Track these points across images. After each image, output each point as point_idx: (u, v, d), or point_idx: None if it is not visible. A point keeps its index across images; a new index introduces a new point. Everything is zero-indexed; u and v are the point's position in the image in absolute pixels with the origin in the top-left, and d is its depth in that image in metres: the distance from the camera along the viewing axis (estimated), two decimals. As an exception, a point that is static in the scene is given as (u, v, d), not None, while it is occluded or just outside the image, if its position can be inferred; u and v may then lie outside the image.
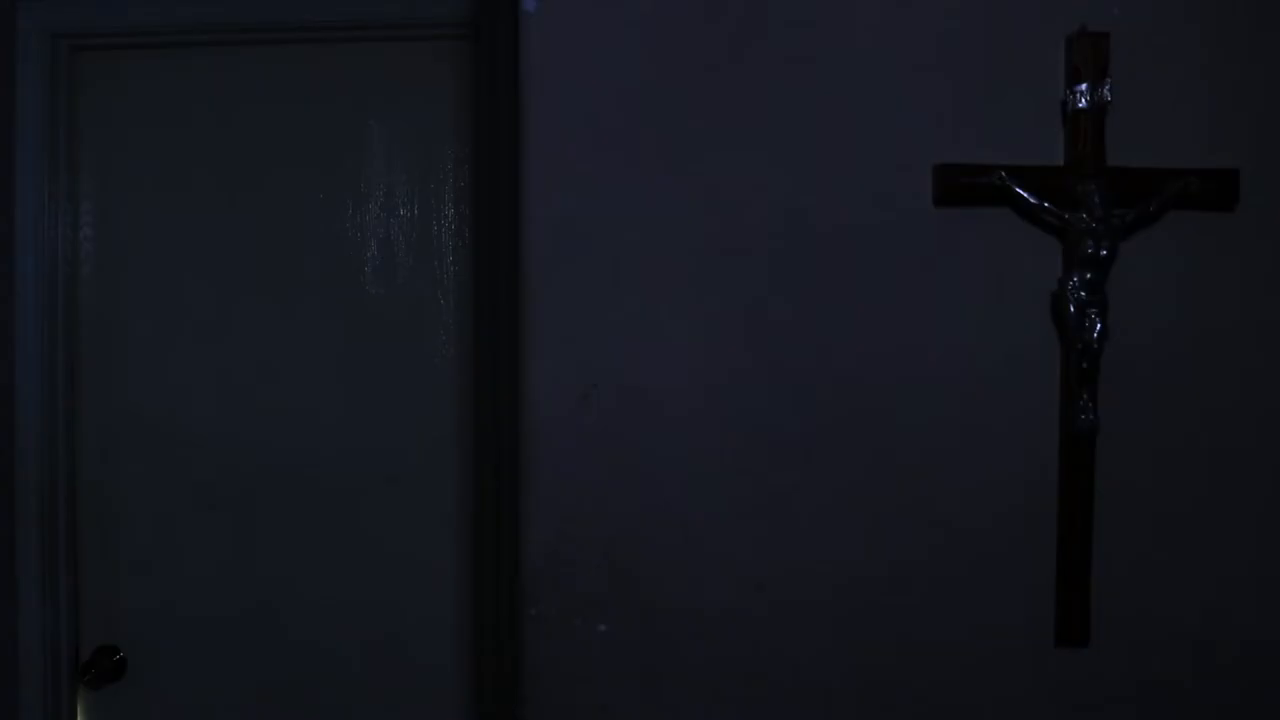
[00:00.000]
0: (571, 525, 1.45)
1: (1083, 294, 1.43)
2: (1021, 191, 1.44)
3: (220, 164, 2.22)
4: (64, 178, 2.18)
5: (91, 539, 2.23)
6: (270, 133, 2.21)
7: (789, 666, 1.48)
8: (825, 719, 1.49)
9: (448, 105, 2.20)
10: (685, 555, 1.47)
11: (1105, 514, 1.49)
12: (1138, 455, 1.50)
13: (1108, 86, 1.43)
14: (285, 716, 2.22)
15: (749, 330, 1.47)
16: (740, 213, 1.46)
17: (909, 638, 1.49)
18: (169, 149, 2.22)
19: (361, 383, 2.24)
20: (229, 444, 2.22)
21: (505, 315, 2.01)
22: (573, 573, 1.45)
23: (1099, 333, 1.43)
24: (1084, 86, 1.43)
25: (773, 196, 1.46)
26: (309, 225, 2.23)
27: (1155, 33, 1.48)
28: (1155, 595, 1.52)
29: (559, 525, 1.45)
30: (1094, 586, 1.49)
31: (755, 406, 1.47)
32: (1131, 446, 1.50)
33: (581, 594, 1.45)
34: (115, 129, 2.22)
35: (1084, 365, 1.44)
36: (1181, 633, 1.52)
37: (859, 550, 1.48)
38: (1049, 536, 1.49)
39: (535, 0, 1.43)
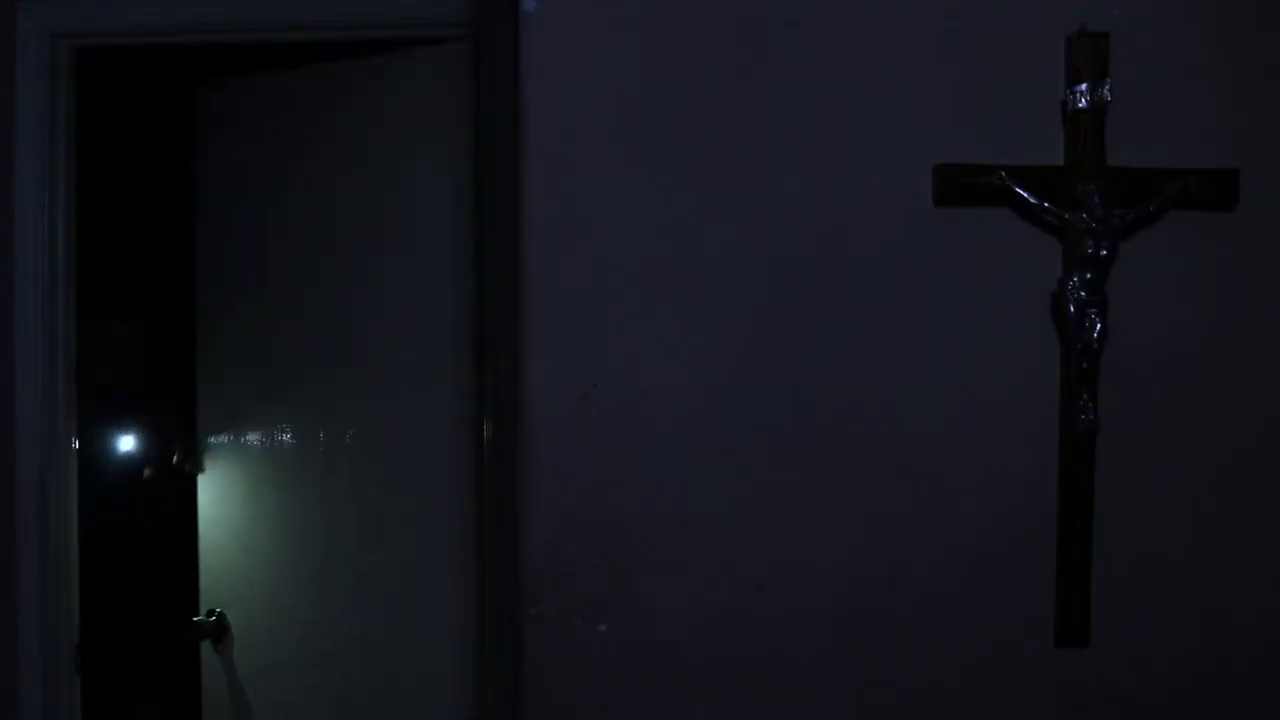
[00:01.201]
0: (571, 525, 1.45)
1: (1083, 294, 1.43)
2: (1021, 191, 1.44)
3: (248, 181, 2.37)
4: (63, 178, 2.18)
5: (206, 527, 2.51)
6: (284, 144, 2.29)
7: (789, 666, 1.48)
8: (825, 719, 1.49)
9: (448, 105, 2.20)
10: (685, 555, 1.47)
11: (1105, 514, 1.49)
12: (1138, 455, 1.50)
13: (1108, 86, 1.43)
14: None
15: (749, 330, 1.47)
16: (740, 212, 1.46)
17: (909, 638, 1.49)
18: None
19: (362, 383, 2.24)
20: (282, 445, 2.38)
21: (505, 315, 2.01)
22: (573, 573, 1.45)
23: (1099, 333, 1.43)
24: (1084, 86, 1.43)
25: (772, 196, 1.46)
26: (310, 228, 2.25)
27: (1155, 33, 1.48)
28: (1155, 595, 1.52)
29: (559, 525, 1.45)
30: (1094, 586, 1.49)
31: (755, 406, 1.47)
32: (1131, 446, 1.50)
33: (581, 594, 1.45)
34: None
35: (1084, 365, 1.44)
36: (1181, 633, 1.52)
37: (859, 550, 1.48)
38: (1049, 536, 1.49)
39: (535, 0, 1.43)
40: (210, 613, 2.48)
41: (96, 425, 3.06)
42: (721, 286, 1.46)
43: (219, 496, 2.48)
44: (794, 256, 1.46)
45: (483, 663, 2.18)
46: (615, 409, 1.45)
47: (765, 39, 1.45)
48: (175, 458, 2.81)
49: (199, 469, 2.49)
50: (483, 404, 2.15)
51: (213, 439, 2.47)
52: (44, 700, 2.16)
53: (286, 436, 2.35)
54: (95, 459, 3.02)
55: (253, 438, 2.40)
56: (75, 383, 2.24)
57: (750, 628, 1.47)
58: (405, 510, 2.23)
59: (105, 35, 2.19)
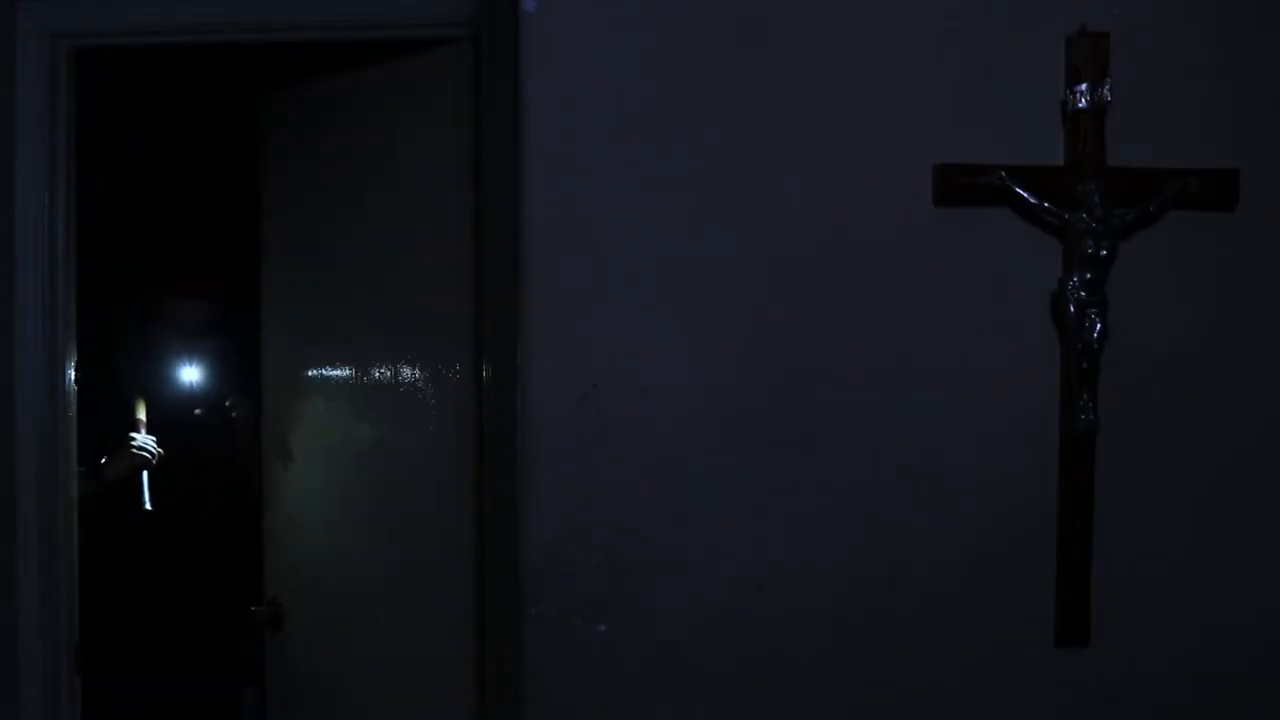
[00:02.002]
0: (571, 525, 1.45)
1: (1083, 294, 1.43)
2: (1021, 191, 1.44)
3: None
4: (63, 178, 2.18)
5: (269, 525, 2.54)
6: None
7: (789, 666, 1.48)
8: (825, 719, 1.49)
9: (448, 105, 2.20)
10: (685, 555, 1.47)
11: (1105, 514, 1.49)
12: (1138, 455, 1.50)
13: (1108, 86, 1.43)
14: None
15: (749, 330, 1.47)
16: (740, 212, 1.46)
17: (909, 638, 1.49)
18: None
19: (363, 383, 2.24)
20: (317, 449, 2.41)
21: (505, 315, 2.01)
22: (573, 573, 1.45)
23: (1099, 333, 1.43)
24: (1084, 86, 1.43)
25: (772, 196, 1.46)
26: (310, 229, 2.26)
27: (1155, 33, 1.48)
28: (1155, 595, 1.52)
29: (559, 525, 1.45)
30: (1094, 586, 1.49)
31: (755, 406, 1.47)
32: (1131, 446, 1.50)
33: (581, 594, 1.45)
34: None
35: (1084, 365, 1.44)
36: (1181, 633, 1.52)
37: (859, 550, 1.48)
38: (1049, 536, 1.49)
39: (535, 0, 1.43)
40: (270, 601, 2.51)
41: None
42: (721, 286, 1.46)
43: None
44: (794, 256, 1.46)
45: (483, 663, 2.18)
46: (615, 409, 1.45)
47: (765, 39, 1.45)
48: (228, 402, 2.80)
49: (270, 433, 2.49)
50: (483, 403, 2.16)
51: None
52: (44, 700, 2.16)
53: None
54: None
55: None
56: (78, 383, 2.24)
57: (750, 628, 1.48)
58: (406, 510, 2.23)
59: (105, 35, 2.18)
